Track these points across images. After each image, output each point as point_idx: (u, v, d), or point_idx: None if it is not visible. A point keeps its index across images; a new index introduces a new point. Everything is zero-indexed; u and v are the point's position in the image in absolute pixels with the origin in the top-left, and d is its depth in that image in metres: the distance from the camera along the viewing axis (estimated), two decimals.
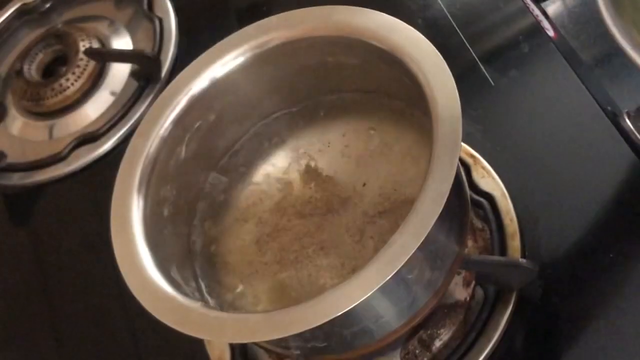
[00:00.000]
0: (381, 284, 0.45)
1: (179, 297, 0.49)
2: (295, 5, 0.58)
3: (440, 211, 0.46)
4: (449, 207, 0.49)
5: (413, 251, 0.45)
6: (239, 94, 0.60)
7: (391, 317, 0.53)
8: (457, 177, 0.52)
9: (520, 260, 0.61)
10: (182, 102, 0.58)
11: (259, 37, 0.58)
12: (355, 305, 0.45)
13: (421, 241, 0.45)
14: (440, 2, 0.80)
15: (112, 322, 0.76)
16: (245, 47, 0.58)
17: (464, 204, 0.56)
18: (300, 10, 0.57)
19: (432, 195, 0.47)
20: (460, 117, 0.49)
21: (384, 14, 0.55)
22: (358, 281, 0.45)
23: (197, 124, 0.59)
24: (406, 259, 0.45)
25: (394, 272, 0.45)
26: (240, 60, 0.58)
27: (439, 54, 0.52)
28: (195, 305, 0.49)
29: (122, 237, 0.52)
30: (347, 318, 0.49)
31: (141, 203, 0.55)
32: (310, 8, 0.57)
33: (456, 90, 0.50)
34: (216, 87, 0.58)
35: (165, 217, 0.57)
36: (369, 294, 0.45)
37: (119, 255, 0.51)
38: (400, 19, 0.54)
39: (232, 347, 0.66)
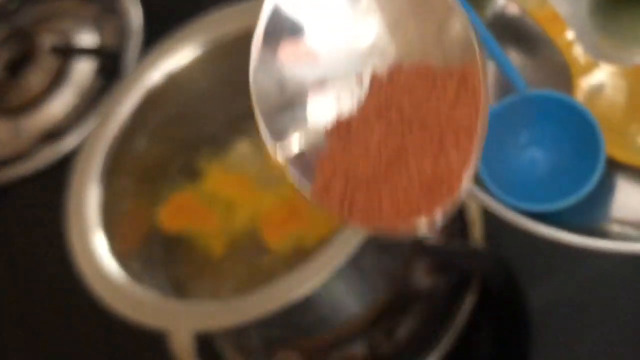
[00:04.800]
0: (334, 270, 0.45)
1: (135, 287, 0.50)
2: None
3: None
4: None
5: (363, 237, 0.45)
6: (197, 86, 0.60)
7: (350, 304, 0.53)
8: None
9: (479, 246, 0.61)
10: (138, 95, 0.58)
11: (215, 29, 0.58)
12: (309, 292, 0.45)
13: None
14: None
15: (81, 320, 0.76)
16: (201, 39, 0.58)
17: None
18: (256, 0, 0.57)
19: None
20: None
21: None
22: (311, 267, 0.46)
23: (156, 117, 0.59)
24: (358, 245, 0.45)
25: (345, 259, 0.45)
26: (197, 53, 0.59)
27: None
28: (151, 294, 0.49)
29: (78, 227, 0.52)
30: (304, 305, 0.49)
31: (100, 194, 0.55)
32: None
33: None
34: (173, 80, 0.59)
35: (125, 209, 0.57)
36: (322, 281, 0.45)
37: (74, 246, 0.52)
38: None
39: (197, 339, 0.66)
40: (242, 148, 0.63)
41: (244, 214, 0.59)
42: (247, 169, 0.62)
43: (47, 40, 0.89)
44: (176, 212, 0.59)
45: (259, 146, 0.63)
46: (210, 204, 0.60)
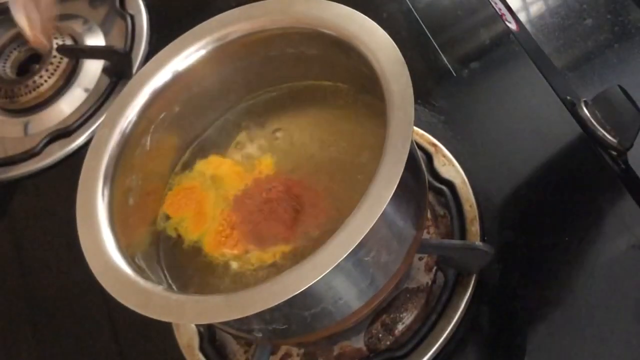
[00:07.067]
0: (334, 265, 0.46)
1: (142, 282, 0.51)
2: None
3: (392, 193, 0.47)
4: (405, 190, 0.51)
5: (365, 233, 0.46)
6: (202, 86, 0.61)
7: (350, 298, 0.54)
8: (413, 161, 0.53)
9: (476, 243, 0.62)
10: (145, 94, 0.59)
11: (220, 30, 0.59)
12: (312, 286, 0.46)
13: (374, 223, 0.46)
14: None
15: (89, 314, 0.77)
16: (206, 40, 0.59)
17: (421, 189, 0.57)
18: (260, 2, 0.59)
19: (385, 178, 0.48)
20: (413, 102, 0.50)
21: (340, 5, 0.56)
22: (313, 262, 0.47)
23: (162, 116, 0.60)
24: (359, 241, 0.46)
25: (346, 254, 0.46)
26: (202, 53, 0.60)
27: (392, 42, 0.53)
28: (157, 289, 0.50)
29: (87, 224, 0.53)
30: (305, 299, 0.50)
31: (107, 192, 0.56)
32: (269, 0, 0.59)
33: (409, 77, 0.51)
34: (179, 79, 0.60)
35: (130, 206, 0.58)
36: (322, 275, 0.46)
37: (84, 241, 0.52)
38: (365, 12, 0.56)
39: (200, 333, 0.68)
40: (241, 147, 0.65)
41: None
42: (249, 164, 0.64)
43: (55, 40, 0.90)
44: (179, 200, 0.60)
45: (261, 144, 0.64)
46: (209, 191, 0.61)
